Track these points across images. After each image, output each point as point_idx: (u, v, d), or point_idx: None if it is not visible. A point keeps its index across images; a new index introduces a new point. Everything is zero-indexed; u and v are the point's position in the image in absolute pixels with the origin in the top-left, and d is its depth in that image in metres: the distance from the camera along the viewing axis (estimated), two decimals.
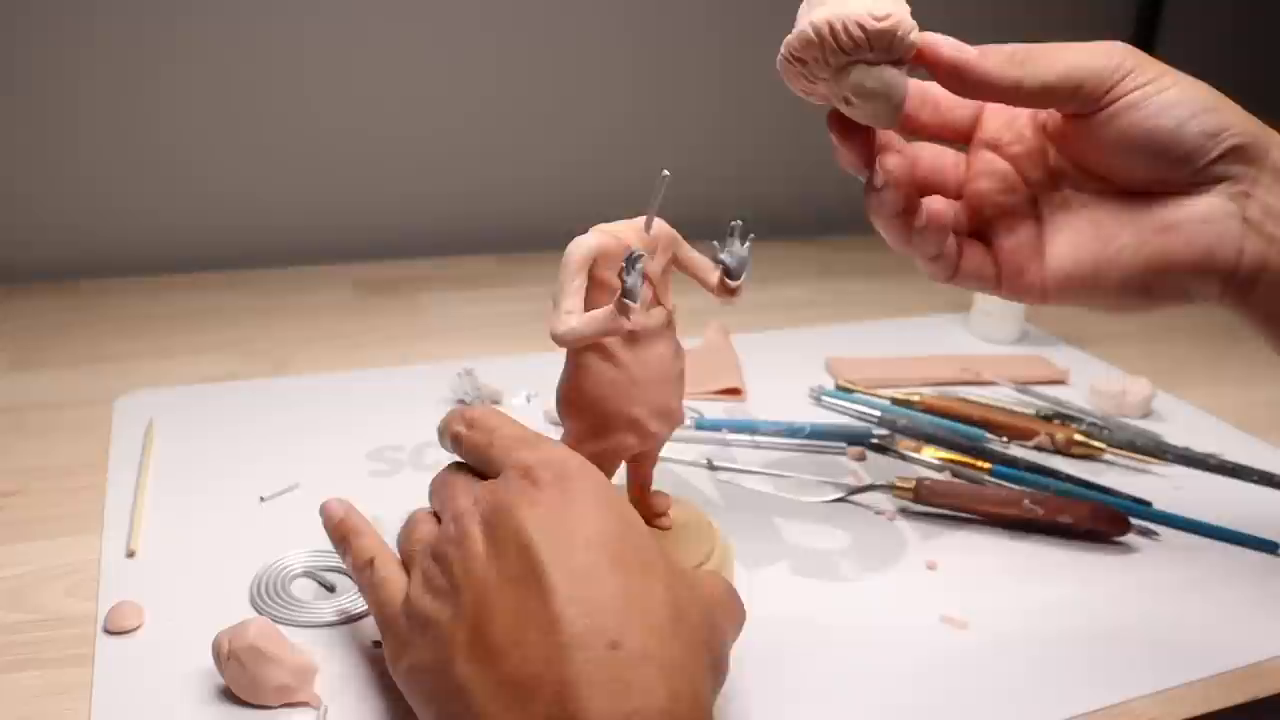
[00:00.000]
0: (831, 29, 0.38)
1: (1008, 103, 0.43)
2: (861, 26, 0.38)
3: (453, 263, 1.03)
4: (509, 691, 0.33)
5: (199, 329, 0.83)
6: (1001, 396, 0.75)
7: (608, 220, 0.43)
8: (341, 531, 0.45)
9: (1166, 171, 0.43)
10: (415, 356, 0.80)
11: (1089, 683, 0.47)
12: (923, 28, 0.40)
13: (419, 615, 0.38)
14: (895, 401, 0.73)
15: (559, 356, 0.45)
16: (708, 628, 0.37)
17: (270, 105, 0.97)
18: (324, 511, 0.46)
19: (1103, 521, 0.57)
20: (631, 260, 0.39)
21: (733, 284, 0.44)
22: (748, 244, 0.44)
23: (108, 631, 0.46)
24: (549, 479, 0.37)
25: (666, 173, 0.41)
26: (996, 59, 0.41)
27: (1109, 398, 0.74)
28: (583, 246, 0.41)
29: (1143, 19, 1.29)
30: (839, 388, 0.75)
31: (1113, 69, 0.42)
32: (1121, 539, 0.57)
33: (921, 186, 0.47)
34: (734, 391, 0.74)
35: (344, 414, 0.69)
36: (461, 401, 0.71)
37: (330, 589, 0.51)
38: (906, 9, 0.39)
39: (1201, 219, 0.42)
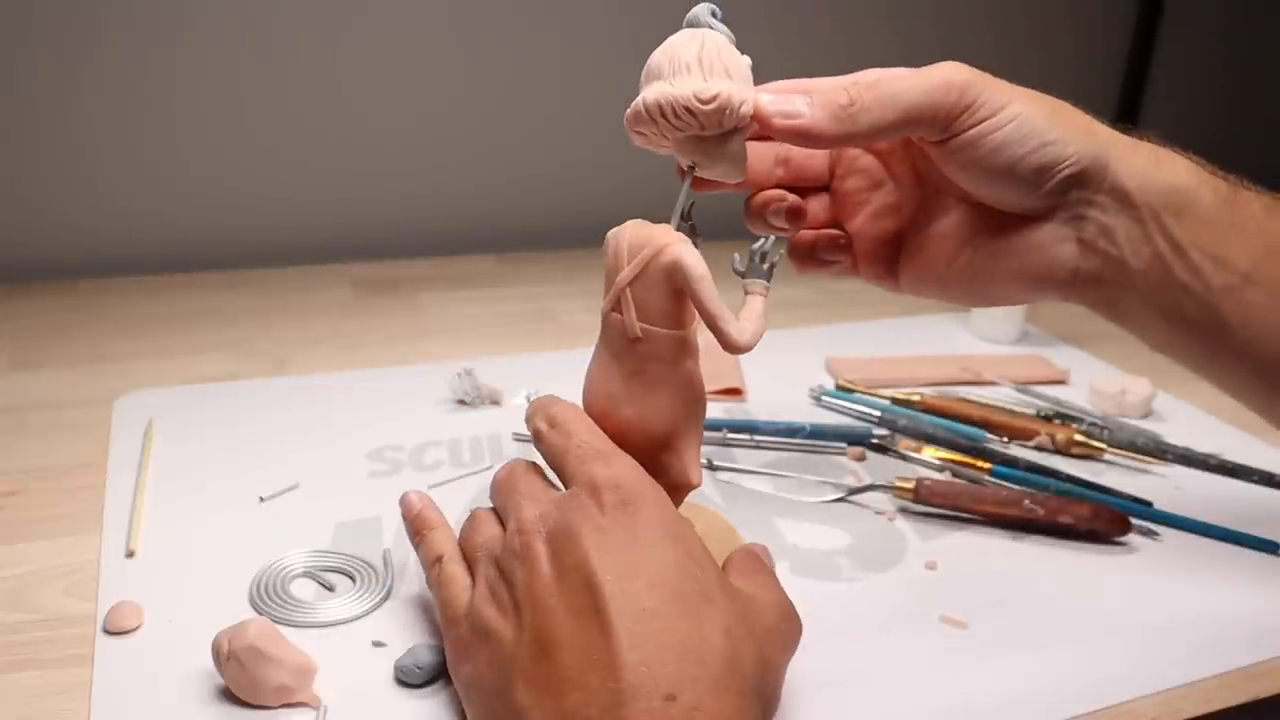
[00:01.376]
0: (661, 111, 0.39)
1: (850, 147, 0.46)
2: (689, 110, 0.38)
3: (452, 262, 1.03)
4: None
5: (199, 329, 0.83)
6: (1001, 396, 0.75)
7: (609, 220, 0.43)
8: (417, 525, 0.47)
9: (1008, 201, 0.45)
10: (415, 356, 0.80)
11: (1089, 683, 0.47)
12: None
13: (481, 626, 0.38)
14: (895, 401, 0.73)
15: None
16: (759, 672, 0.37)
17: (270, 105, 0.97)
18: (403, 503, 0.48)
19: (1103, 521, 0.57)
20: (759, 248, 0.40)
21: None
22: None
23: (107, 631, 0.46)
24: (615, 503, 0.37)
25: (688, 186, 0.42)
26: (826, 115, 0.41)
27: (1109, 398, 0.74)
28: (702, 262, 0.39)
29: (1143, 19, 1.29)
30: (839, 388, 0.75)
31: (950, 105, 0.42)
32: (1121, 539, 0.57)
33: (794, 181, 0.49)
34: (734, 391, 0.74)
35: (344, 414, 0.69)
36: (462, 402, 0.71)
37: (330, 589, 0.51)
38: (734, 85, 0.39)
39: (1037, 245, 0.45)
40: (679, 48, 0.39)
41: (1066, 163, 0.43)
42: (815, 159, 0.49)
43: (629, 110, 0.40)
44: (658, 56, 0.40)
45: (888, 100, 0.41)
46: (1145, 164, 0.44)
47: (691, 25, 0.40)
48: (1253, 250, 0.44)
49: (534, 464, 0.44)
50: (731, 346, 0.38)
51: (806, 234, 0.50)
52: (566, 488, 0.40)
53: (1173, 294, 0.45)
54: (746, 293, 0.40)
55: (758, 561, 0.43)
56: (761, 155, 0.48)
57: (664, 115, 0.39)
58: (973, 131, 0.42)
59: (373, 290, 0.95)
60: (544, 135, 1.07)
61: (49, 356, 0.77)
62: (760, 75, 0.42)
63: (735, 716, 0.34)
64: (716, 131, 0.40)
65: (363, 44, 0.98)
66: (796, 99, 0.41)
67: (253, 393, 0.72)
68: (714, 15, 0.40)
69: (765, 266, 0.40)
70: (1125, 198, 0.44)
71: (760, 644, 0.37)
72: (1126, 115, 1.31)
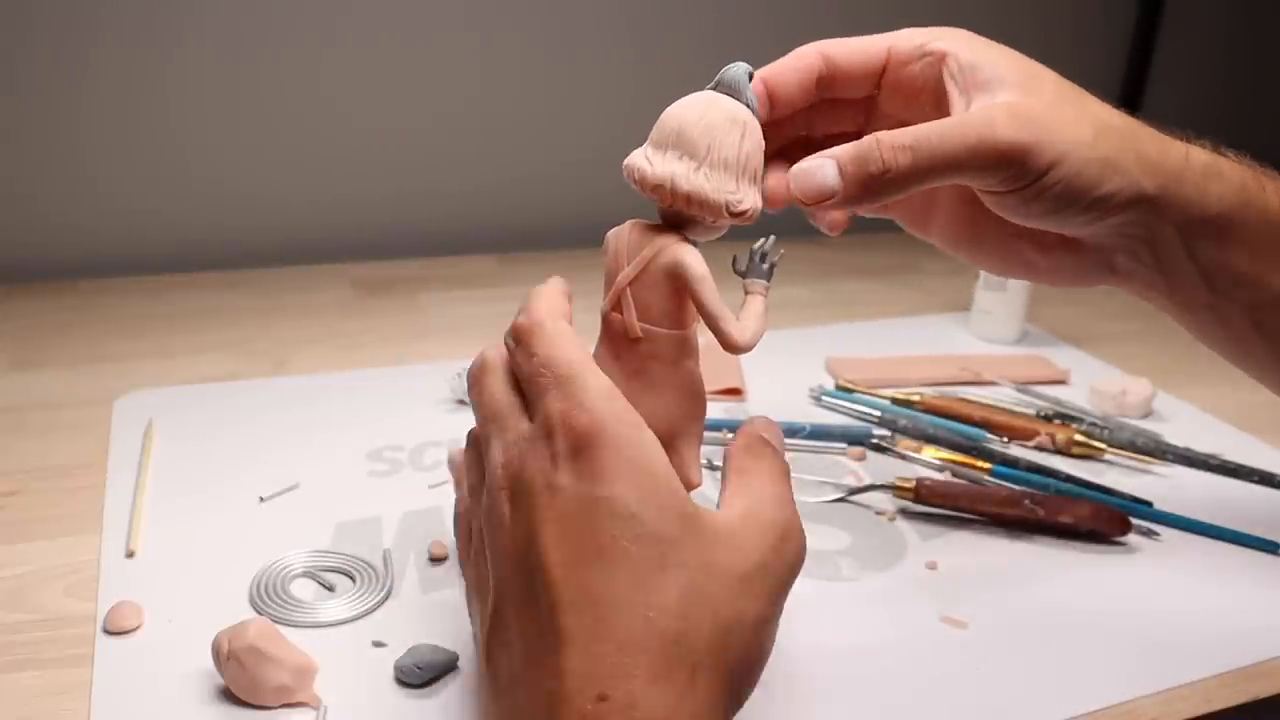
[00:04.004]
0: (688, 200, 0.38)
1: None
2: (713, 211, 0.38)
3: (451, 262, 1.03)
4: None
5: (199, 329, 0.83)
6: (1001, 396, 0.75)
7: (609, 220, 0.43)
8: (457, 477, 0.46)
9: (1051, 230, 0.45)
10: (414, 356, 0.79)
11: (1089, 683, 0.47)
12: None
13: (468, 590, 0.39)
14: (895, 401, 0.73)
15: None
16: (723, 637, 0.33)
17: (269, 105, 0.97)
18: (451, 462, 0.47)
19: (1103, 521, 0.57)
20: (760, 249, 0.40)
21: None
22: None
23: (107, 631, 0.46)
24: (568, 451, 0.33)
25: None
26: (858, 186, 0.39)
27: (1109, 398, 0.74)
28: (703, 263, 0.39)
29: (1143, 20, 1.29)
30: (839, 388, 0.75)
31: (991, 171, 0.40)
32: (1121, 539, 0.57)
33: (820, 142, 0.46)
34: (734, 391, 0.74)
35: (344, 414, 0.69)
36: (461, 402, 0.71)
37: (330, 589, 0.51)
38: (756, 191, 0.39)
39: (1078, 246, 0.46)
40: (719, 130, 0.38)
41: (1114, 207, 0.41)
42: (859, 82, 0.45)
43: (644, 171, 0.38)
44: (693, 130, 0.38)
45: (925, 165, 0.39)
46: (1192, 193, 0.42)
47: (726, 88, 0.39)
48: None
49: (505, 357, 0.39)
50: (732, 346, 0.38)
51: None
52: (531, 421, 0.36)
53: (1199, 304, 0.45)
54: (746, 292, 0.40)
55: (753, 459, 0.38)
56: (801, 73, 0.44)
57: (685, 202, 0.38)
58: (1017, 193, 0.41)
59: (372, 290, 0.95)
60: (544, 135, 1.07)
61: (49, 356, 0.77)
62: (761, 57, 0.41)
63: (678, 706, 0.32)
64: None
65: (362, 45, 0.98)
66: (828, 171, 0.39)
67: (253, 393, 0.72)
68: (749, 78, 0.39)
69: (765, 266, 0.40)
70: (1161, 226, 0.43)
71: (727, 598, 0.34)
72: (1129, 103, 1.31)
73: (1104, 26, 1.29)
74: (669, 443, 0.40)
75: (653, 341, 0.39)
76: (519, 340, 0.37)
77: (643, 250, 0.39)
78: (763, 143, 0.39)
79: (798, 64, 0.44)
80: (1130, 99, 1.31)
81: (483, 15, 1.01)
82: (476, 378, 0.39)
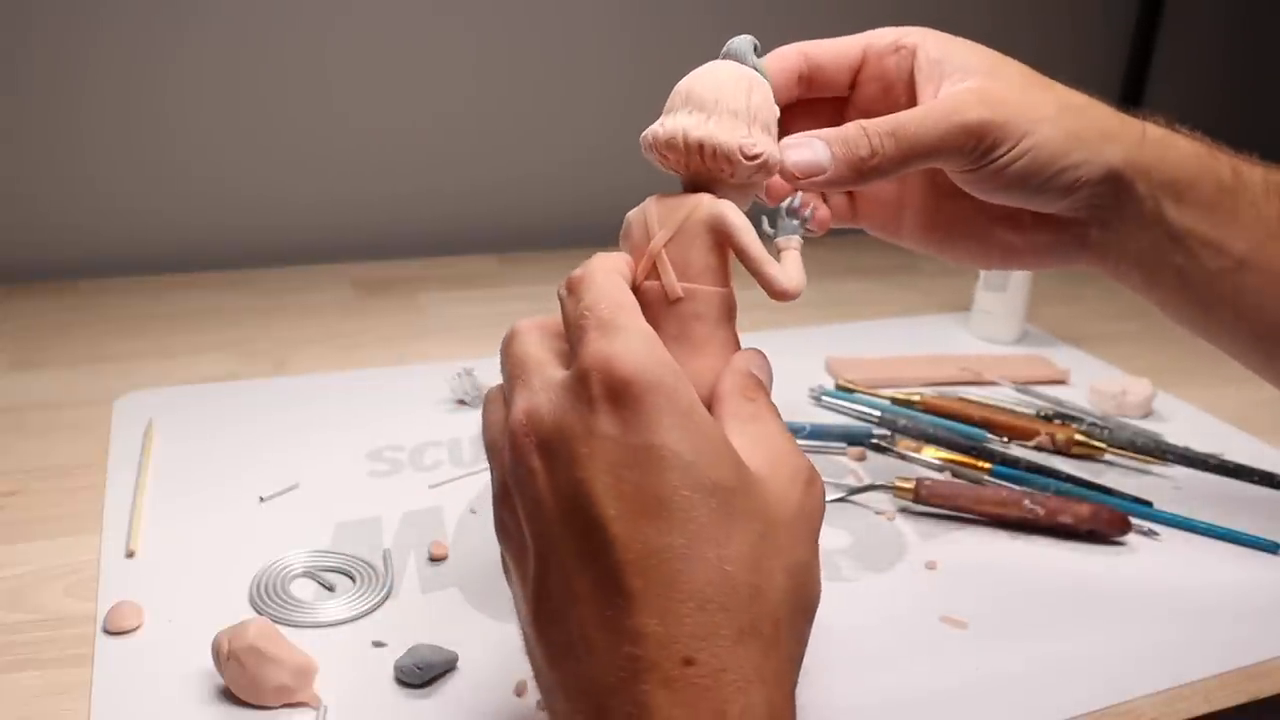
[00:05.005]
0: (701, 149, 0.37)
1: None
2: (728, 158, 0.37)
3: (452, 262, 1.03)
4: (582, 698, 0.31)
5: (199, 329, 0.83)
6: (1002, 396, 0.75)
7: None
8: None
9: (1023, 208, 0.47)
10: (414, 356, 0.79)
11: (1089, 683, 0.47)
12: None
13: (501, 557, 0.36)
14: (895, 401, 0.73)
15: None
16: (789, 583, 0.32)
17: (269, 105, 0.97)
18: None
19: (1103, 522, 0.57)
20: (792, 202, 0.41)
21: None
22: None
23: (107, 631, 0.46)
24: (605, 395, 0.31)
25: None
26: (848, 167, 0.41)
27: (1109, 398, 0.74)
28: (737, 209, 0.38)
29: (1142, 20, 1.29)
30: (839, 388, 0.75)
31: (970, 148, 0.42)
32: (1121, 539, 0.57)
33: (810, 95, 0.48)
34: None
35: (344, 414, 0.69)
36: (462, 402, 0.71)
37: (330, 589, 0.51)
38: (772, 141, 0.39)
39: (1046, 225, 0.48)
40: (726, 85, 0.38)
41: (1083, 180, 0.44)
42: (838, 78, 0.48)
43: (656, 132, 0.38)
44: (701, 87, 0.38)
45: (907, 148, 0.41)
46: (1152, 158, 0.45)
47: (732, 57, 0.40)
48: (1251, 235, 0.45)
49: (542, 321, 0.37)
50: (780, 293, 0.38)
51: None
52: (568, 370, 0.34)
53: (1169, 272, 0.47)
54: (780, 250, 0.40)
55: (751, 405, 0.35)
56: (784, 73, 0.46)
57: (699, 153, 0.38)
58: (990, 167, 0.43)
59: (373, 290, 0.94)
60: (544, 135, 1.07)
61: (49, 356, 0.77)
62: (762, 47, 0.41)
63: (763, 665, 0.30)
64: (742, 180, 0.39)
65: (362, 45, 0.98)
66: (818, 148, 0.41)
67: (253, 393, 0.72)
68: (755, 50, 0.40)
69: (795, 222, 0.41)
70: (1129, 189, 0.45)
71: (788, 545, 0.33)
72: (1130, 101, 1.31)
73: (1104, 26, 1.29)
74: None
75: (695, 300, 0.37)
76: (570, 289, 0.35)
77: (675, 214, 0.38)
78: (775, 104, 0.39)
79: (780, 64, 0.46)
80: (1130, 99, 1.31)
81: (482, 15, 1.00)
82: (506, 342, 0.36)
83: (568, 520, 0.31)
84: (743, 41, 0.40)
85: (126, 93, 0.92)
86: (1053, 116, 0.43)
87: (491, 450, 0.36)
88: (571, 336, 0.34)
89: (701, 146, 0.37)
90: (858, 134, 0.41)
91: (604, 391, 0.31)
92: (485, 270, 1.02)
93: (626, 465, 0.30)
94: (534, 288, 0.96)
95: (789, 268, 0.39)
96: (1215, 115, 1.37)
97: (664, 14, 1.06)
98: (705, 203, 0.38)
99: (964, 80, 0.44)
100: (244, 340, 0.81)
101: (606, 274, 0.35)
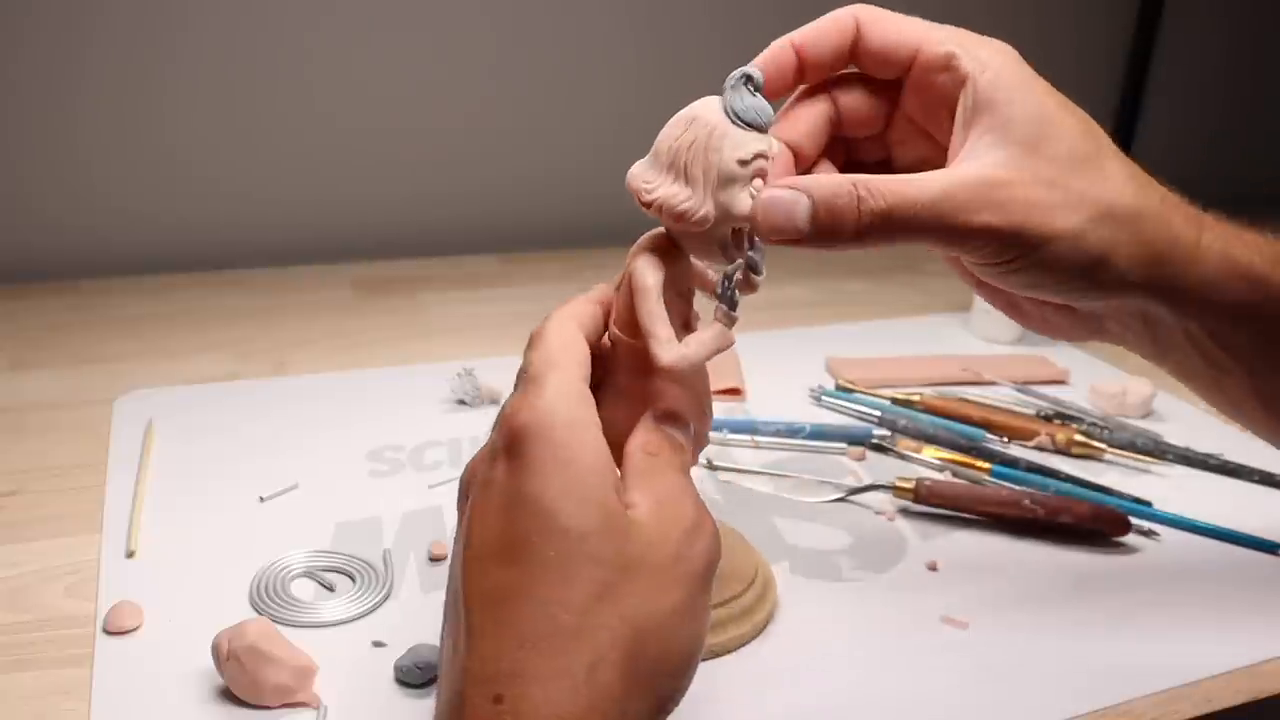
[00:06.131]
0: (630, 188, 0.37)
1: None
2: (640, 202, 0.36)
3: (453, 262, 1.03)
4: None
5: (199, 329, 0.83)
6: (1001, 396, 0.75)
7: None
8: None
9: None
10: (415, 356, 0.79)
11: (1089, 683, 0.47)
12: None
13: None
14: (895, 401, 0.73)
15: None
16: (634, 633, 0.32)
17: (270, 105, 0.97)
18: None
19: (1103, 521, 0.57)
20: (730, 274, 0.37)
21: (758, 279, 0.40)
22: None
23: (107, 632, 0.46)
24: (502, 448, 0.33)
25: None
26: (825, 238, 0.36)
27: (1109, 398, 0.74)
28: (652, 274, 0.37)
29: (1143, 19, 1.29)
30: (839, 388, 0.75)
31: (972, 251, 0.38)
32: (1121, 539, 0.57)
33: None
34: (734, 391, 0.74)
35: (344, 414, 0.69)
36: (462, 402, 0.71)
37: (330, 589, 0.51)
38: (698, 191, 0.36)
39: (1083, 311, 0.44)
40: (670, 123, 0.37)
41: (1103, 306, 0.41)
42: (884, 70, 0.41)
43: (646, 191, 0.37)
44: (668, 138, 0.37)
45: (895, 231, 0.37)
46: (1196, 286, 0.40)
47: (727, 91, 0.37)
48: None
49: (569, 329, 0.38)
50: (655, 363, 0.36)
51: None
52: None
53: (1203, 377, 0.45)
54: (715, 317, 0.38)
55: (650, 460, 0.36)
56: (810, 123, 0.42)
57: (633, 194, 0.37)
58: (988, 269, 0.39)
59: (373, 290, 0.94)
60: (546, 136, 1.07)
61: (49, 356, 0.77)
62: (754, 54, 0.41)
63: (571, 702, 0.30)
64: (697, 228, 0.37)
65: (364, 45, 0.98)
66: (799, 210, 0.36)
67: (253, 393, 0.72)
68: (746, 83, 0.36)
69: (728, 294, 0.38)
70: (1158, 322, 0.42)
71: (641, 593, 0.32)
72: (1129, 101, 1.31)
73: (1104, 27, 1.29)
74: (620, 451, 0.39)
75: (619, 349, 0.38)
76: (529, 341, 0.37)
77: (629, 259, 0.38)
78: (741, 150, 0.35)
79: (831, 26, 0.41)
80: (1130, 99, 1.31)
81: (484, 17, 1.01)
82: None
83: (457, 560, 0.34)
84: (733, 73, 0.37)
85: (126, 93, 0.92)
86: (1076, 231, 0.37)
87: None
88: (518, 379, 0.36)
89: (630, 186, 0.37)
90: (848, 203, 0.36)
91: (503, 442, 0.33)
92: (486, 270, 1.02)
93: (497, 509, 0.32)
94: (535, 288, 0.96)
95: (691, 341, 0.36)
96: (1216, 115, 1.38)
97: (667, 15, 1.06)
98: (634, 251, 0.37)
99: (997, 147, 0.37)
100: (244, 340, 0.81)
101: (558, 331, 0.36)
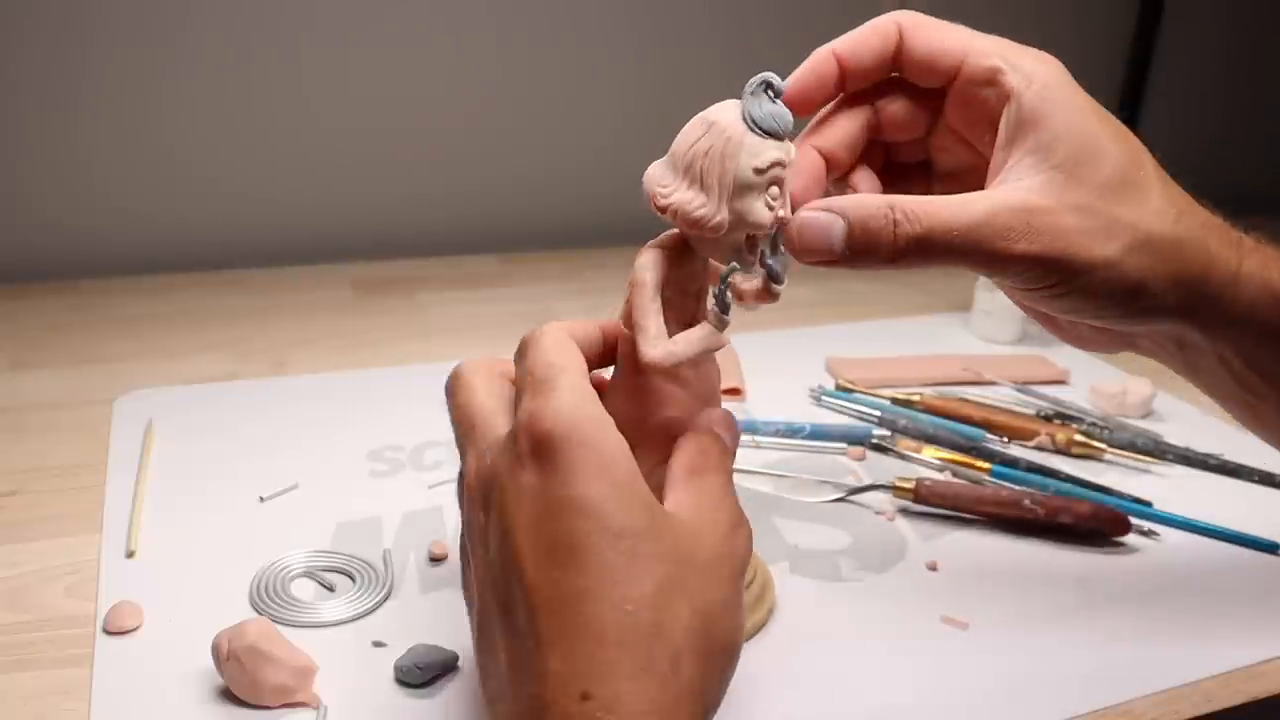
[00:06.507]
0: (645, 190, 0.37)
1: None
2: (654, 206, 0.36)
3: (453, 262, 1.03)
4: None
5: (198, 329, 0.83)
6: (1002, 396, 0.75)
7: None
8: None
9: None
10: (414, 356, 0.79)
11: (1089, 683, 0.47)
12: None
13: (464, 591, 0.38)
14: (895, 401, 0.73)
15: None
16: (697, 623, 0.33)
17: (270, 105, 0.97)
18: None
19: (1103, 521, 0.57)
20: (725, 276, 0.37)
21: (777, 289, 0.40)
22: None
23: (107, 632, 0.46)
24: (530, 450, 0.33)
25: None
26: (860, 258, 0.37)
27: (1109, 398, 0.74)
28: (651, 270, 0.38)
29: (1143, 22, 1.29)
30: (839, 388, 0.75)
31: (1012, 272, 0.37)
32: (1121, 539, 0.57)
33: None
34: (734, 391, 0.74)
35: (344, 414, 0.69)
36: None
37: (330, 589, 0.51)
38: (710, 197, 0.36)
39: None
40: (687, 128, 0.37)
41: (1139, 332, 0.41)
42: (926, 80, 0.41)
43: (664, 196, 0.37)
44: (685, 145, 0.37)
45: (931, 252, 0.37)
46: (1233, 314, 0.40)
47: (746, 97, 0.37)
48: None
49: (484, 362, 0.39)
50: (640, 358, 0.37)
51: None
52: None
53: (1234, 399, 0.45)
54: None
55: (703, 458, 0.37)
56: (847, 131, 0.42)
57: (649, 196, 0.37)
58: (1022, 293, 0.39)
59: (373, 290, 0.94)
60: (545, 135, 1.07)
61: (49, 356, 0.77)
62: (765, 64, 0.40)
63: (660, 695, 0.31)
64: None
65: (364, 45, 0.98)
66: (835, 231, 0.37)
67: (252, 393, 0.72)
68: (766, 89, 0.36)
69: (722, 296, 0.38)
70: (1193, 348, 0.42)
71: (699, 586, 0.33)
72: (1130, 100, 1.31)
73: (1104, 27, 1.29)
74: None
75: (622, 345, 0.38)
76: (519, 351, 0.37)
77: None
78: (757, 159, 0.36)
79: (873, 34, 0.40)
80: (1130, 98, 1.31)
81: (484, 17, 1.01)
82: (448, 391, 0.39)
83: (499, 569, 0.34)
84: (752, 81, 0.37)
85: (126, 93, 0.92)
86: (1114, 260, 0.37)
87: (460, 504, 0.38)
88: (515, 397, 0.36)
89: (645, 188, 0.37)
90: (884, 225, 0.36)
91: (529, 447, 0.33)
92: (486, 270, 1.02)
93: (544, 516, 0.32)
94: (535, 288, 0.96)
95: (677, 339, 0.37)
96: (1216, 114, 1.38)
97: (668, 14, 1.06)
98: (644, 248, 0.38)
99: (1038, 170, 0.37)
100: (243, 340, 0.81)
101: (552, 336, 0.36)
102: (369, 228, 1.04)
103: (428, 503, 0.59)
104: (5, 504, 0.57)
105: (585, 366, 0.36)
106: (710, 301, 0.39)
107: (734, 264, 0.37)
